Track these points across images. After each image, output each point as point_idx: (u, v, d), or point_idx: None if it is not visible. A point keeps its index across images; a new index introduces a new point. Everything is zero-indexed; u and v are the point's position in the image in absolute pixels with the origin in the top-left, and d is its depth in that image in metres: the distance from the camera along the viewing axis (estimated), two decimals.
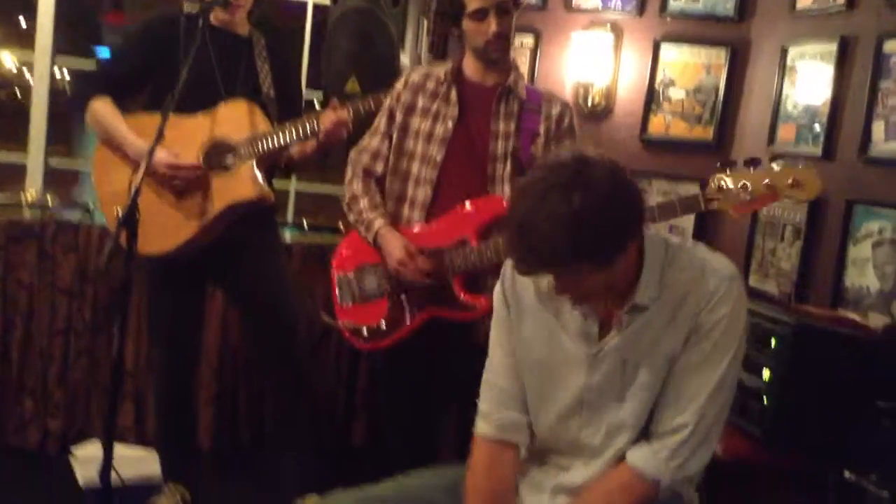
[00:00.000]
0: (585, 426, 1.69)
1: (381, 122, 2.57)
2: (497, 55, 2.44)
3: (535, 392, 1.75)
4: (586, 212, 1.41)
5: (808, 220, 2.96)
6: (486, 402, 1.78)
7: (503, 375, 1.76)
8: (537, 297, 1.72)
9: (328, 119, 2.59)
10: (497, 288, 1.79)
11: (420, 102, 2.52)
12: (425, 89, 2.53)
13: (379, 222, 2.49)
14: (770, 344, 2.37)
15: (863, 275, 2.69)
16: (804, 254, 2.97)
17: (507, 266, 1.76)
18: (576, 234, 1.41)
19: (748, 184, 2.17)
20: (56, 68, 3.67)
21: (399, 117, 2.53)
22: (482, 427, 1.76)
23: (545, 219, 1.42)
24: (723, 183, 2.19)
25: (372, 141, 2.57)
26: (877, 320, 2.56)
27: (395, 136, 2.53)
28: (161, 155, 2.50)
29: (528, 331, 1.74)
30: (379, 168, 2.56)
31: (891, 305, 2.55)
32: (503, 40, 2.42)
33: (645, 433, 1.65)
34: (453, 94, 2.49)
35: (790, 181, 2.16)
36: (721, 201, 2.20)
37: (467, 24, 2.42)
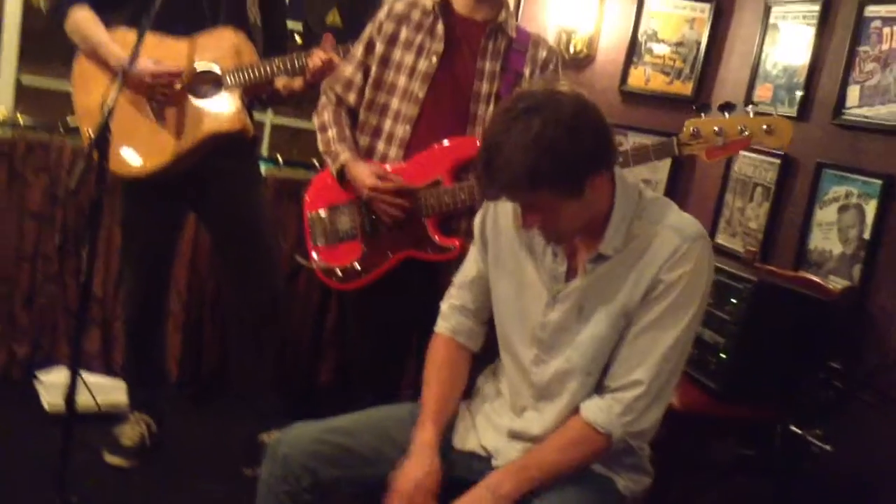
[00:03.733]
0: (535, 365, 1.75)
1: (358, 50, 2.50)
2: None
3: (499, 320, 1.83)
4: (545, 138, 1.46)
5: (778, 180, 2.99)
6: (447, 304, 1.93)
7: (469, 290, 1.89)
8: (515, 230, 1.76)
9: (317, 58, 2.54)
10: (478, 215, 1.87)
11: (403, 34, 2.45)
12: (410, 20, 2.46)
13: (346, 154, 2.45)
14: (730, 301, 2.42)
15: (827, 238, 2.74)
16: (771, 214, 3.01)
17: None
18: (534, 159, 1.47)
19: (723, 128, 2.22)
20: None
21: (380, 48, 2.47)
22: (441, 325, 1.92)
23: (507, 143, 1.48)
24: (697, 128, 2.22)
25: (346, 69, 2.51)
26: (838, 284, 2.62)
27: (374, 68, 2.47)
28: (143, 63, 2.43)
29: (501, 260, 1.80)
30: (351, 98, 2.51)
31: (851, 270, 2.61)
32: None
33: (599, 386, 1.70)
34: (439, 28, 2.42)
35: (764, 127, 2.21)
36: (695, 146, 2.25)
37: None
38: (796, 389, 2.31)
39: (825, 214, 2.77)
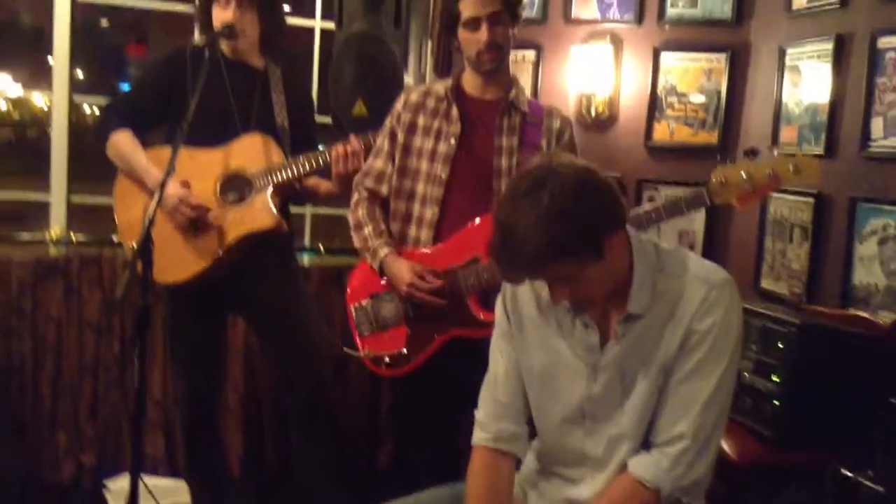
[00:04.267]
0: (588, 436, 1.73)
1: (383, 143, 2.61)
2: (490, 65, 2.47)
3: (537, 403, 1.80)
4: (556, 207, 1.48)
5: (815, 219, 2.97)
6: (483, 411, 1.84)
7: (503, 387, 1.82)
8: (538, 310, 1.76)
9: (337, 152, 2.65)
10: (498, 301, 1.85)
11: (421, 121, 2.55)
12: (425, 107, 2.56)
13: (384, 250, 2.52)
14: (777, 345, 2.40)
15: (870, 272, 2.70)
16: (812, 254, 2.98)
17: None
18: (550, 230, 1.48)
19: (750, 173, 2.23)
20: (87, 105, 3.75)
21: (401, 137, 2.56)
22: (479, 436, 1.81)
23: (520, 222, 1.49)
24: (725, 176, 2.24)
25: (375, 162, 2.61)
26: (887, 318, 2.57)
27: (397, 157, 2.57)
28: (172, 189, 2.57)
29: (529, 342, 1.79)
30: (384, 189, 2.59)
31: None
32: (495, 50, 2.44)
33: (644, 441, 1.69)
34: (454, 111, 2.52)
35: (791, 167, 2.22)
36: (725, 194, 2.26)
37: (462, 34, 2.47)
38: (854, 430, 2.25)
39: (866, 248, 2.74)
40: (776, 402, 2.38)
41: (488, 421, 1.81)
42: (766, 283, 3.25)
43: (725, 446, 2.35)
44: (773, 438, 2.36)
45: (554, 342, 1.75)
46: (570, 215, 1.49)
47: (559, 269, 1.54)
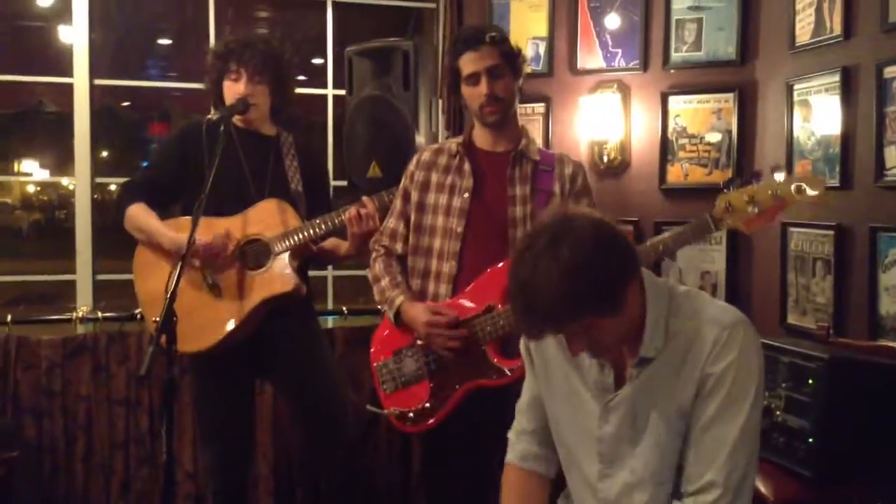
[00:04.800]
0: (601, 480, 1.73)
1: (397, 203, 2.67)
2: (492, 118, 2.52)
3: (559, 437, 1.83)
4: (576, 263, 1.47)
5: (836, 251, 2.95)
6: (513, 431, 1.94)
7: (527, 415, 1.91)
8: (559, 349, 1.77)
9: (350, 214, 2.70)
10: (521, 342, 1.89)
11: (434, 178, 2.60)
12: (437, 165, 2.62)
13: (400, 298, 2.55)
14: (808, 382, 2.36)
15: None
16: (836, 286, 2.95)
17: None
18: (572, 287, 1.47)
19: (754, 197, 2.22)
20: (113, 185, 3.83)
21: (414, 196, 2.61)
22: (509, 454, 1.93)
23: (540, 281, 1.48)
24: (729, 201, 2.24)
25: (389, 222, 2.67)
26: None
27: (412, 215, 2.61)
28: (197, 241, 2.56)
29: (552, 381, 1.81)
30: (399, 248, 2.64)
31: None
32: (496, 102, 2.50)
33: (676, 491, 1.66)
34: (466, 166, 2.57)
35: (794, 187, 2.21)
36: (731, 219, 2.25)
37: (464, 90, 2.53)
38: (892, 462, 2.20)
39: (890, 278, 2.71)
40: (810, 440, 2.33)
41: (515, 441, 1.93)
42: (792, 319, 3.21)
43: (762, 487, 2.30)
44: (809, 476, 2.31)
45: (573, 381, 1.76)
46: (593, 268, 1.48)
47: (580, 324, 1.53)
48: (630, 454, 1.68)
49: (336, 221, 2.73)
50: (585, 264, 1.47)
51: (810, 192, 2.21)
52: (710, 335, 1.61)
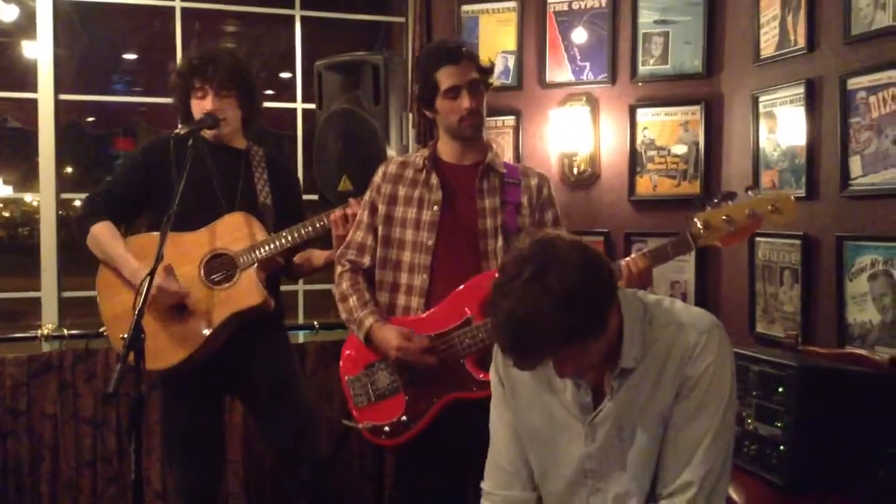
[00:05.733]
0: (593, 495, 1.72)
1: (363, 215, 2.64)
2: (471, 131, 2.53)
3: (540, 468, 1.79)
4: (567, 292, 1.45)
5: (803, 260, 2.99)
6: (489, 482, 1.84)
7: (505, 454, 1.81)
8: (530, 373, 1.75)
9: (336, 215, 2.70)
10: (491, 368, 1.86)
11: (402, 192, 2.59)
12: (404, 178, 2.61)
13: (370, 319, 2.52)
14: (777, 390, 2.38)
15: (863, 310, 2.71)
16: (804, 295, 2.99)
17: (498, 347, 1.81)
18: (566, 317, 1.45)
19: (730, 216, 2.32)
20: (78, 201, 3.78)
21: (382, 209, 2.60)
22: None
23: (533, 312, 1.45)
24: (707, 220, 2.32)
25: (356, 235, 2.63)
26: (885, 354, 2.55)
27: (380, 228, 2.60)
28: (156, 279, 2.54)
29: (524, 406, 1.78)
30: (366, 261, 2.61)
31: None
32: (476, 116, 2.52)
33: (650, 494, 1.67)
34: (434, 179, 2.56)
35: (770, 207, 2.31)
36: (708, 237, 2.36)
37: (441, 104, 2.52)
38: (862, 470, 2.22)
39: (857, 286, 2.74)
40: (781, 447, 2.34)
41: (496, 491, 1.82)
42: (760, 328, 3.25)
43: (734, 495, 2.31)
44: (781, 484, 2.31)
45: (548, 403, 1.74)
46: (584, 294, 1.47)
47: (571, 350, 1.52)
48: (619, 466, 1.68)
49: (303, 232, 2.72)
50: (576, 292, 1.45)
51: (784, 214, 2.30)
52: (687, 340, 1.63)
